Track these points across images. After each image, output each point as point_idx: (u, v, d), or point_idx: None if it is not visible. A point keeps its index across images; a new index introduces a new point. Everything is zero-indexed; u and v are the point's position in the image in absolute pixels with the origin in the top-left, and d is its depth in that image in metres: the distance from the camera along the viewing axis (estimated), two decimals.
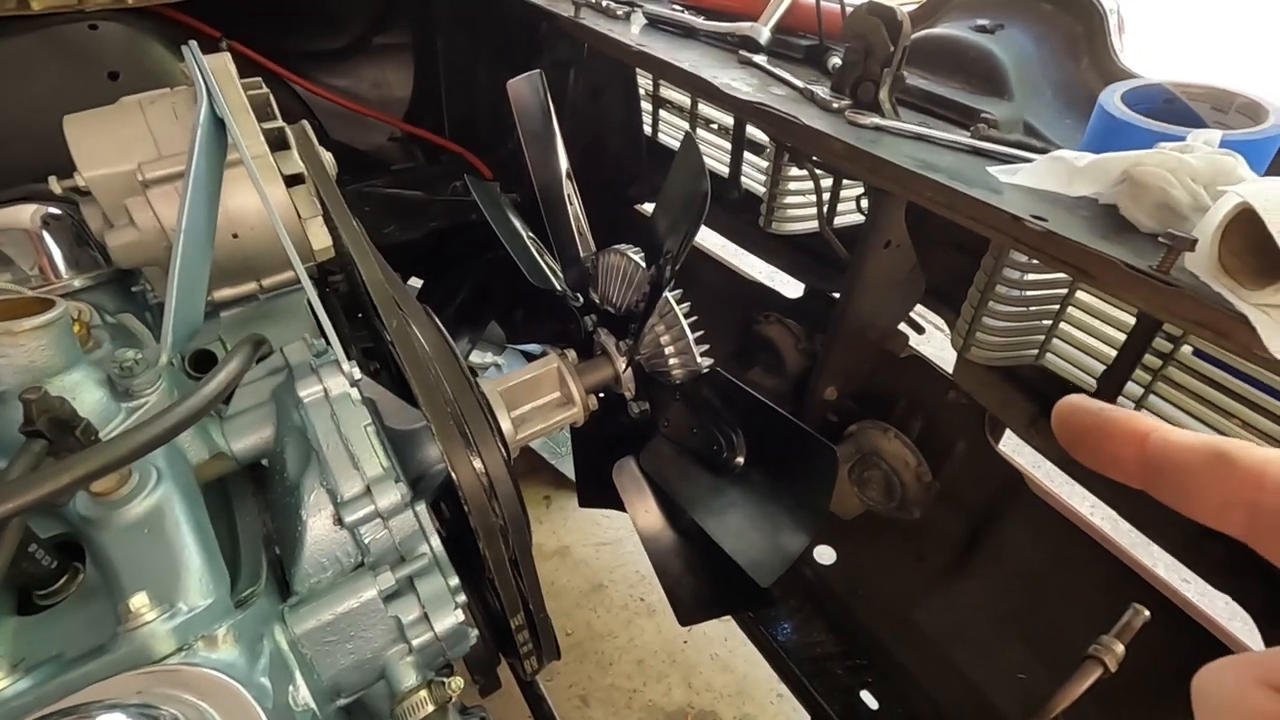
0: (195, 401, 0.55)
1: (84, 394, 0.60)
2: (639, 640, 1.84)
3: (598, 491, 1.24)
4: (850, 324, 1.22)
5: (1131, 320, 0.88)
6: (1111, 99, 0.78)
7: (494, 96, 1.86)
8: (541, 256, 1.07)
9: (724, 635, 1.84)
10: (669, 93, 1.63)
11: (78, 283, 0.84)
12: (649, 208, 1.87)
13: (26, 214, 0.83)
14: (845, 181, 1.27)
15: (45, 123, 1.26)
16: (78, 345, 0.62)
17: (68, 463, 0.46)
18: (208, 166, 0.71)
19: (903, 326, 1.33)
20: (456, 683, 0.74)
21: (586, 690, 1.74)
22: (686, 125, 1.61)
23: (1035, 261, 0.89)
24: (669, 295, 0.85)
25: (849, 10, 1.00)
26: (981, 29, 1.00)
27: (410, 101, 2.12)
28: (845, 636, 1.27)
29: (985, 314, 1.00)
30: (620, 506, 1.23)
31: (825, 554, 1.38)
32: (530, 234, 1.10)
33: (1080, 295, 0.93)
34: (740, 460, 0.80)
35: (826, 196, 1.26)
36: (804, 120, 0.86)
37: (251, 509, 0.79)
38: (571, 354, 0.92)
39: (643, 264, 0.89)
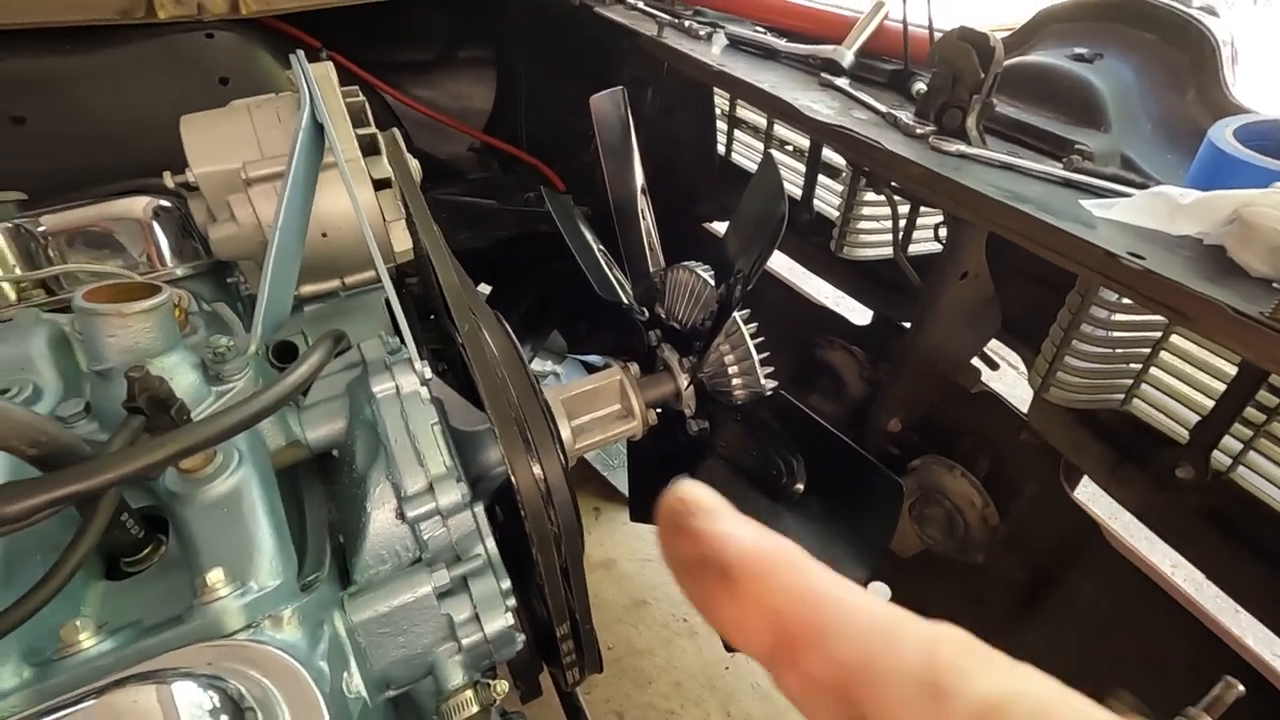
0: (279, 390, 0.58)
1: (180, 376, 0.64)
2: (678, 661, 1.82)
3: (650, 507, 1.24)
4: (920, 354, 1.18)
5: (1233, 370, 0.82)
6: (1223, 134, 0.73)
7: (569, 111, 1.90)
8: (610, 270, 1.08)
9: None
10: (745, 113, 1.63)
11: (180, 271, 0.90)
12: (718, 226, 1.87)
13: (139, 205, 0.89)
14: (922, 209, 1.24)
15: (163, 122, 1.36)
16: (177, 330, 0.66)
17: (164, 439, 0.49)
18: (305, 168, 0.75)
19: (975, 361, 1.29)
20: (501, 686, 0.74)
21: (623, 707, 1.73)
22: (761, 145, 1.60)
23: (1127, 301, 0.84)
24: (737, 316, 0.84)
25: (938, 35, 0.98)
26: (1078, 58, 0.97)
27: (490, 113, 2.19)
28: None
29: (1068, 353, 0.96)
30: None
31: (879, 591, 1.33)
32: (600, 247, 1.12)
33: (1176, 340, 0.88)
34: (799, 487, 0.79)
35: (902, 223, 1.24)
36: (885, 145, 0.84)
37: (319, 497, 0.82)
38: (634, 367, 0.93)
39: (712, 282, 0.89)
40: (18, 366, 0.70)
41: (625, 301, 1.01)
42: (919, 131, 0.89)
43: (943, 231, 1.14)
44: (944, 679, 0.16)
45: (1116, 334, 0.91)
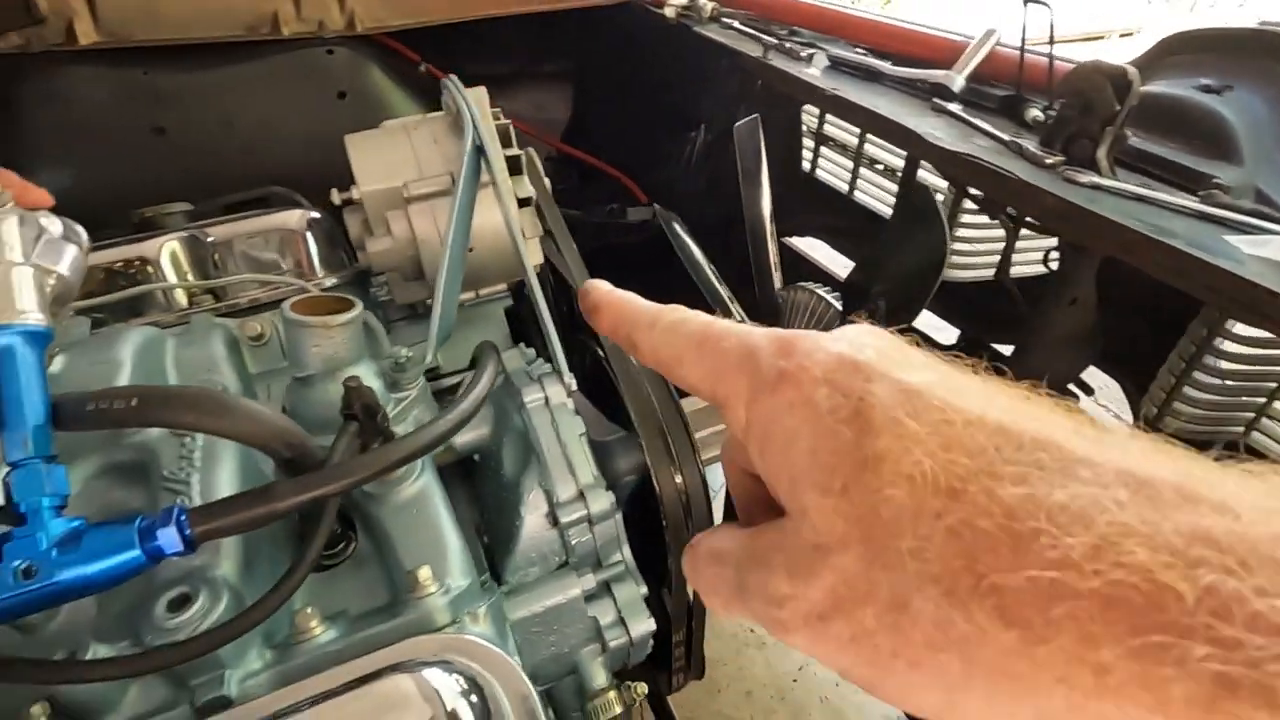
0: (474, 399, 0.62)
1: (367, 384, 0.68)
2: (748, 671, 1.83)
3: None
4: (1021, 378, 1.19)
5: None
6: None
7: (654, 126, 1.94)
8: (720, 285, 1.11)
9: (835, 679, 1.81)
10: (832, 130, 1.65)
11: (328, 281, 0.95)
12: (796, 241, 1.89)
13: (294, 218, 0.95)
14: (1024, 232, 1.25)
15: (286, 133, 1.44)
16: (363, 340, 0.70)
17: (386, 450, 0.53)
18: (469, 189, 0.79)
19: (1071, 386, 1.29)
20: (641, 688, 0.77)
21: (694, 714, 1.75)
22: (848, 163, 1.62)
23: (1260, 334, 0.84)
24: None
25: (1067, 65, 0.99)
26: (1206, 89, 0.97)
27: (567, 124, 2.24)
28: None
29: (1188, 383, 0.96)
30: None
31: None
32: (710, 265, 1.15)
33: None
34: None
35: (1000, 245, 1.24)
36: (1020, 175, 0.86)
37: (463, 500, 0.87)
38: None
39: (836, 305, 0.91)
40: (205, 368, 0.76)
41: (738, 317, 1.04)
42: (1048, 161, 0.91)
43: (1052, 256, 1.14)
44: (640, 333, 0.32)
45: (1244, 367, 0.91)
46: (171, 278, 0.87)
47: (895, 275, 0.81)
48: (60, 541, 0.43)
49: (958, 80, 1.16)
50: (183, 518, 0.45)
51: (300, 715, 0.42)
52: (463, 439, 0.84)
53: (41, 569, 0.42)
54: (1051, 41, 1.02)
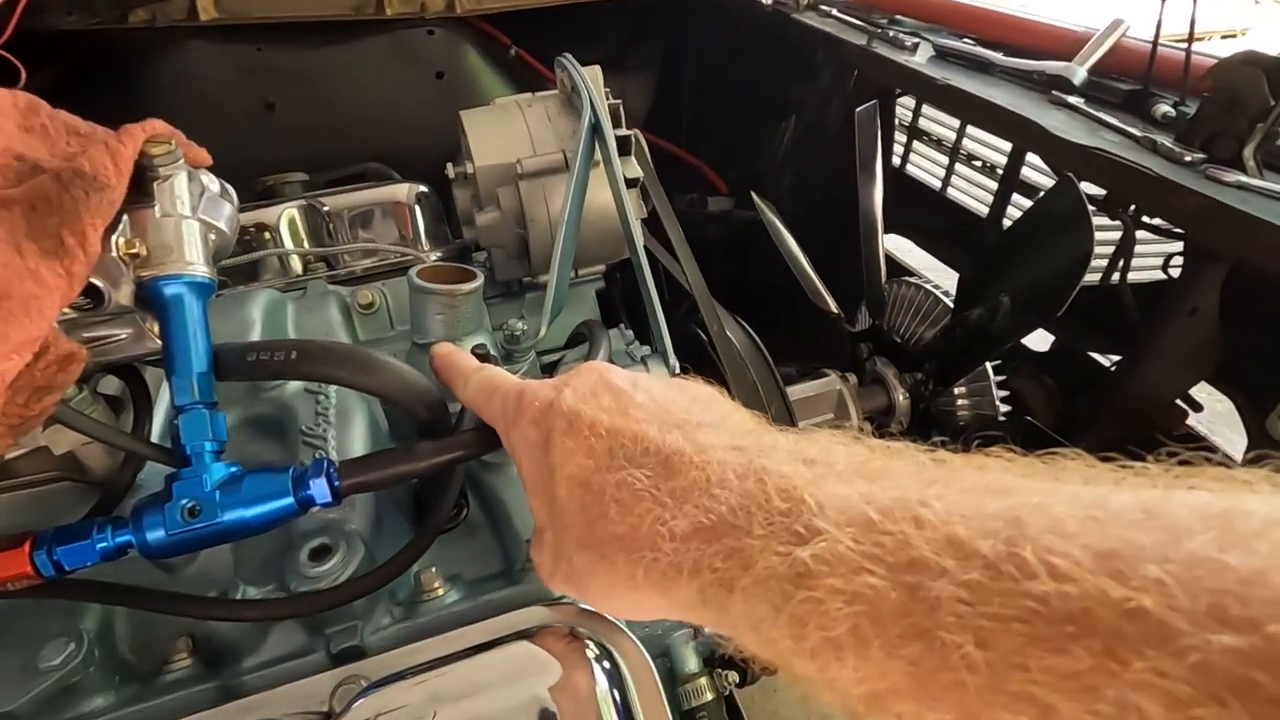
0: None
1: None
2: None
3: None
4: (1130, 392, 1.13)
5: None
6: None
7: (736, 116, 1.92)
8: (816, 277, 1.09)
9: None
10: (928, 125, 1.60)
11: (432, 255, 0.97)
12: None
13: (403, 191, 0.97)
14: (1139, 235, 1.18)
15: (385, 109, 1.47)
16: (483, 311, 0.71)
17: None
18: (584, 166, 0.79)
19: (1179, 402, 1.22)
20: (732, 676, 0.77)
21: (749, 713, 1.73)
22: (941, 158, 1.57)
23: None
24: (989, 367, 0.83)
25: (1205, 59, 0.93)
26: None
27: (648, 112, 2.23)
28: None
29: None
30: None
31: None
32: (805, 255, 1.12)
33: None
34: None
35: (1110, 249, 1.18)
36: (1161, 172, 0.81)
37: None
38: (853, 378, 0.93)
39: (946, 300, 0.88)
40: (323, 332, 0.78)
41: (835, 310, 1.02)
42: (1188, 159, 0.85)
43: (1175, 263, 1.08)
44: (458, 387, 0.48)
45: None
46: (288, 244, 0.90)
47: (1025, 274, 0.78)
48: (222, 484, 0.45)
49: (1079, 72, 1.10)
50: (332, 470, 0.46)
51: (436, 672, 0.42)
52: None
53: (205, 509, 0.44)
54: (1191, 34, 0.96)
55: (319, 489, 0.46)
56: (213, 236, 0.53)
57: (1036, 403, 1.31)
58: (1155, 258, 1.19)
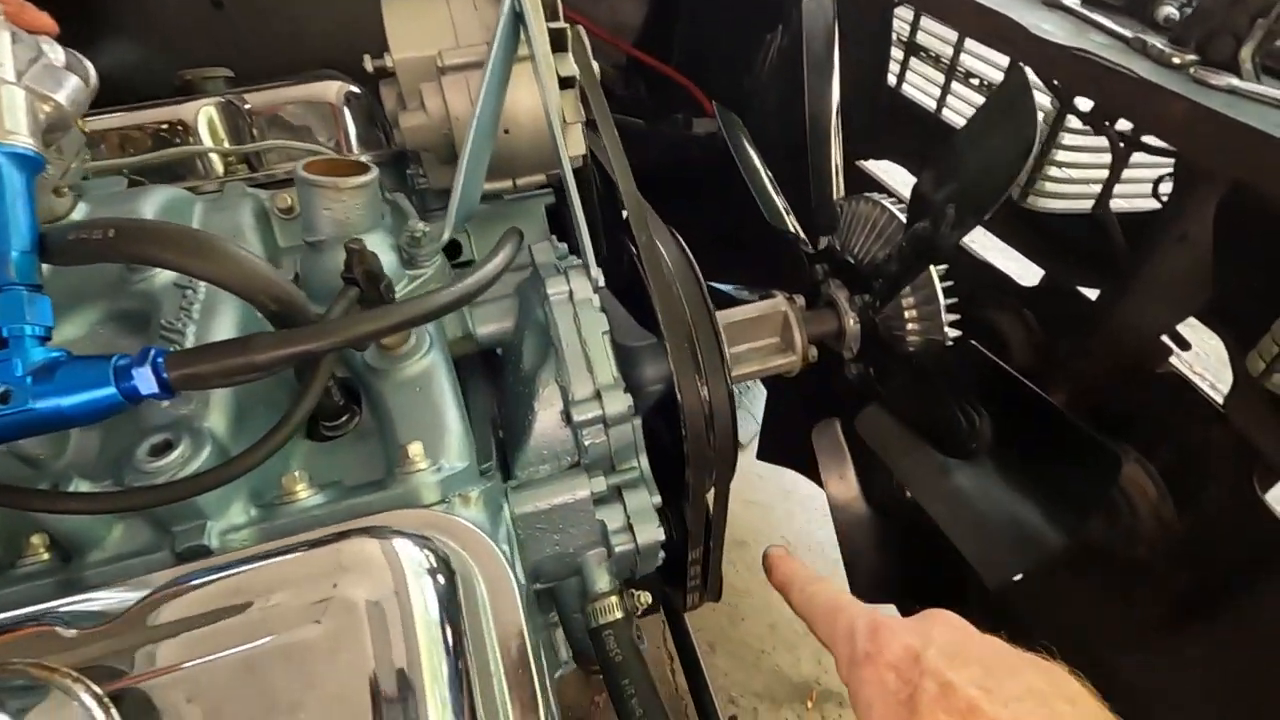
0: (482, 276, 0.58)
1: (379, 255, 0.65)
2: (775, 604, 1.81)
3: (782, 448, 1.21)
4: (1111, 325, 1.07)
5: None
6: None
7: (733, 33, 1.80)
8: (777, 195, 1.02)
9: None
10: (927, 39, 1.48)
11: (364, 158, 0.92)
12: (872, 166, 1.74)
13: (333, 90, 0.91)
14: (1134, 159, 1.09)
15: (344, 14, 1.39)
16: (380, 211, 0.67)
17: (389, 309, 0.50)
18: (503, 59, 0.73)
19: (1165, 339, 1.15)
20: (645, 596, 0.75)
21: (714, 639, 1.76)
22: (940, 77, 1.46)
23: None
24: (934, 272, 0.77)
25: None
26: None
27: (640, 30, 2.11)
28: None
29: None
30: (800, 466, 1.20)
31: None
32: (769, 172, 1.06)
33: None
34: (980, 447, 0.73)
35: (1105, 173, 1.10)
36: (1138, 72, 0.73)
37: (482, 393, 0.84)
38: (800, 300, 0.88)
39: (901, 216, 0.82)
40: (230, 234, 0.75)
41: (792, 231, 0.96)
42: (1176, 61, 0.77)
43: (1165, 188, 1.00)
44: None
45: None
46: (208, 143, 0.86)
47: (967, 175, 0.71)
48: (36, 370, 0.42)
49: None
50: (159, 360, 0.43)
51: (261, 564, 0.40)
52: (485, 330, 0.81)
53: (16, 395, 0.41)
54: None
55: (143, 379, 0.43)
56: (46, 109, 0.49)
57: (1015, 338, 1.25)
58: (1150, 185, 1.10)
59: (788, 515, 1.99)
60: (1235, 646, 1.03)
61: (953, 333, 0.78)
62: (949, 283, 0.78)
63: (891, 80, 1.58)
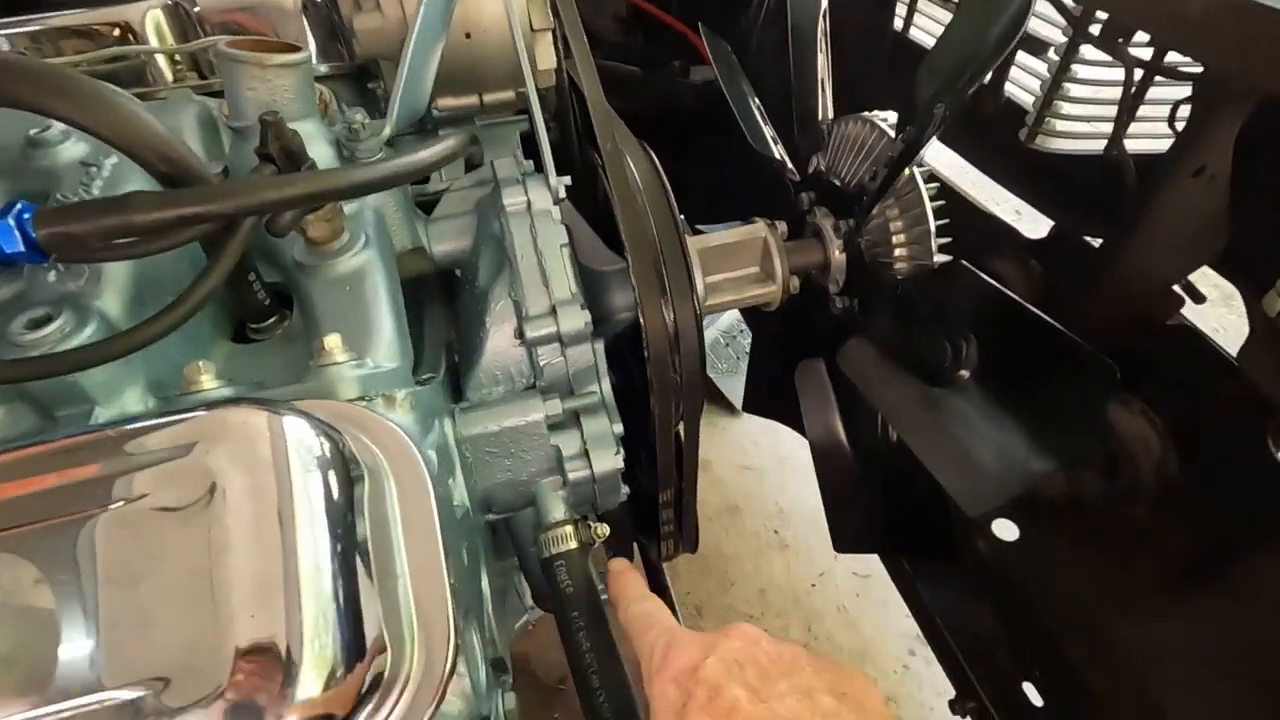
0: (412, 160, 0.53)
1: (314, 146, 0.60)
2: (765, 571, 1.78)
3: (768, 398, 1.16)
4: (1118, 269, 1.00)
5: None
6: None
7: None
8: (765, 124, 0.96)
9: (856, 591, 1.73)
10: None
11: (323, 68, 0.87)
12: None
13: None
14: (1151, 95, 1.02)
15: None
16: (315, 100, 0.62)
17: (292, 178, 0.45)
18: None
19: (1177, 288, 1.08)
20: (603, 529, 0.71)
21: (703, 602, 1.72)
22: (947, 15, 1.38)
23: None
24: (917, 172, 0.71)
25: None
26: None
27: None
28: (1013, 623, 1.11)
29: None
30: (787, 420, 1.14)
31: (1006, 529, 1.20)
32: (757, 102, 0.99)
33: None
34: (964, 373, 0.67)
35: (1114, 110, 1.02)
36: None
37: (439, 316, 0.80)
38: (782, 226, 0.82)
39: (890, 132, 0.76)
40: None
41: (777, 157, 0.90)
42: None
43: (1181, 115, 0.93)
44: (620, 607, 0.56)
45: None
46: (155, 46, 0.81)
47: (954, 69, 0.65)
48: None
49: None
50: (24, 214, 0.39)
51: (119, 429, 0.35)
52: (442, 248, 0.76)
53: None
54: None
55: (6, 236, 0.39)
56: None
57: (1014, 282, 1.18)
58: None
59: (781, 482, 1.94)
60: (1239, 612, 0.97)
61: (941, 256, 0.72)
62: (940, 202, 0.72)
63: (898, 25, 1.51)
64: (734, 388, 2.04)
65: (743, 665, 0.41)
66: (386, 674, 0.38)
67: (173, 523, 0.32)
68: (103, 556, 0.31)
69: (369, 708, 0.37)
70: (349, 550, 0.36)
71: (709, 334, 2.16)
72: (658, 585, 1.24)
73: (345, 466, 0.38)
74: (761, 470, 1.99)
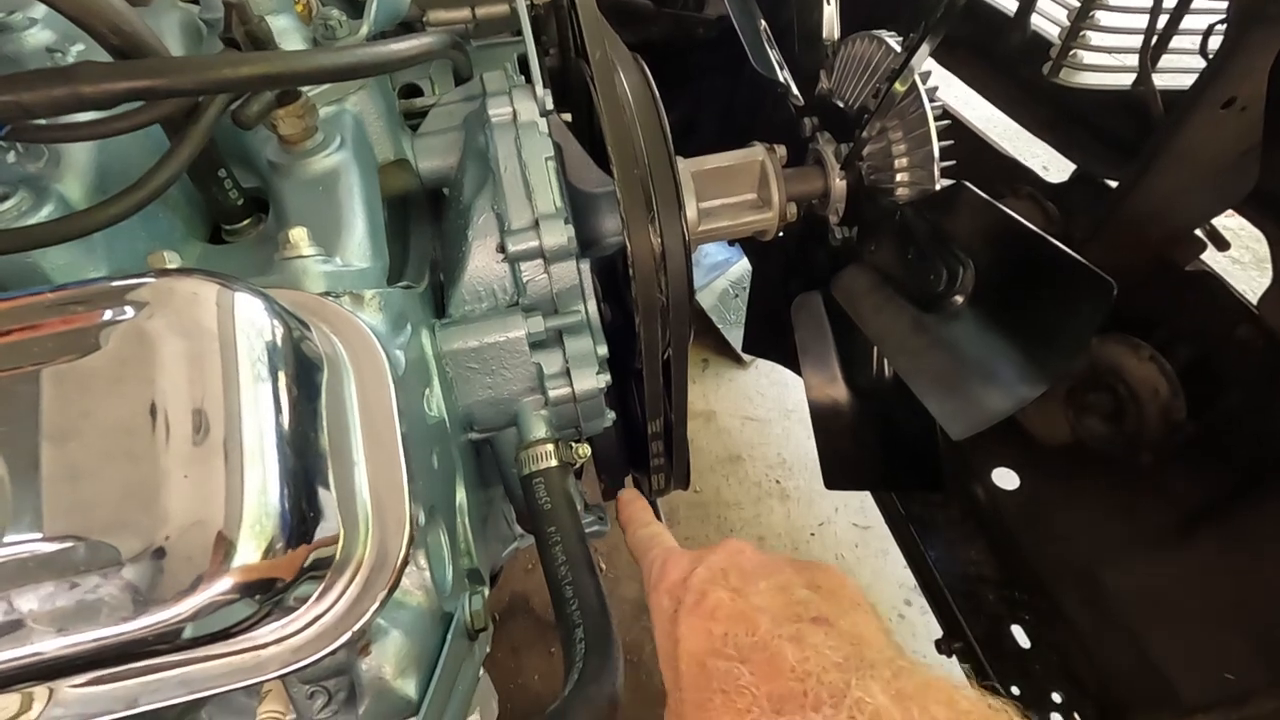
0: (381, 50, 0.51)
1: (286, 43, 0.58)
2: (765, 519, 1.78)
3: (767, 338, 1.14)
4: (1136, 210, 0.96)
5: None
6: None
7: None
8: (771, 49, 0.92)
9: (855, 541, 1.73)
10: None
11: None
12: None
13: None
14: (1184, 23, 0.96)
15: None
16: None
17: (252, 57, 0.43)
18: None
19: (1199, 233, 1.04)
20: (584, 449, 0.70)
21: (701, 547, 1.73)
22: None
23: None
24: (919, 81, 0.67)
25: None
26: None
27: None
28: (1006, 566, 1.10)
29: None
30: (785, 360, 1.13)
31: (1007, 478, 1.19)
32: (764, 25, 0.95)
33: None
34: (959, 299, 0.65)
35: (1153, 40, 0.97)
36: None
37: (426, 235, 0.78)
38: (781, 150, 0.79)
39: (897, 48, 0.72)
40: None
41: (781, 81, 0.86)
42: None
43: (1214, 43, 0.87)
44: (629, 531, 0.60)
45: None
46: None
47: None
48: None
49: None
50: None
51: (63, 292, 0.35)
52: (428, 164, 0.75)
53: None
54: None
55: None
56: None
57: (1030, 221, 1.14)
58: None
59: (785, 432, 1.93)
60: (1243, 559, 0.95)
61: (943, 181, 0.69)
62: (945, 122, 0.69)
63: None
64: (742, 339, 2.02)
65: (726, 572, 0.43)
66: (339, 555, 0.38)
67: (110, 382, 0.32)
68: (33, 412, 0.30)
69: (321, 586, 0.37)
70: (297, 427, 0.35)
71: (719, 283, 2.14)
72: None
73: (297, 347, 0.37)
74: (766, 421, 1.98)
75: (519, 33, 0.92)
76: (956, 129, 1.39)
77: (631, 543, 0.57)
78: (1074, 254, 0.56)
